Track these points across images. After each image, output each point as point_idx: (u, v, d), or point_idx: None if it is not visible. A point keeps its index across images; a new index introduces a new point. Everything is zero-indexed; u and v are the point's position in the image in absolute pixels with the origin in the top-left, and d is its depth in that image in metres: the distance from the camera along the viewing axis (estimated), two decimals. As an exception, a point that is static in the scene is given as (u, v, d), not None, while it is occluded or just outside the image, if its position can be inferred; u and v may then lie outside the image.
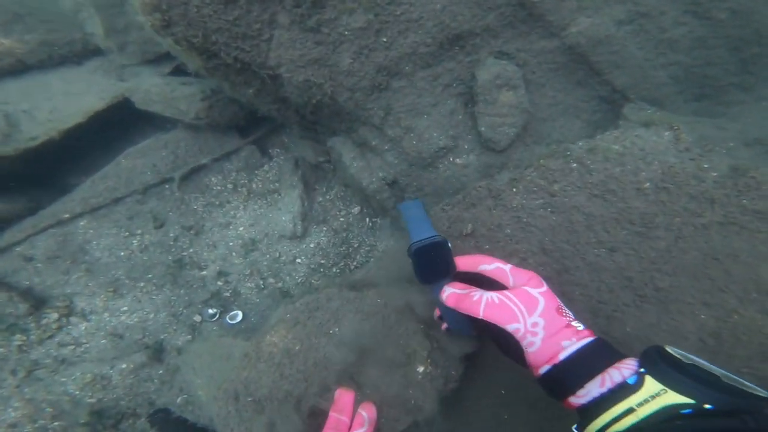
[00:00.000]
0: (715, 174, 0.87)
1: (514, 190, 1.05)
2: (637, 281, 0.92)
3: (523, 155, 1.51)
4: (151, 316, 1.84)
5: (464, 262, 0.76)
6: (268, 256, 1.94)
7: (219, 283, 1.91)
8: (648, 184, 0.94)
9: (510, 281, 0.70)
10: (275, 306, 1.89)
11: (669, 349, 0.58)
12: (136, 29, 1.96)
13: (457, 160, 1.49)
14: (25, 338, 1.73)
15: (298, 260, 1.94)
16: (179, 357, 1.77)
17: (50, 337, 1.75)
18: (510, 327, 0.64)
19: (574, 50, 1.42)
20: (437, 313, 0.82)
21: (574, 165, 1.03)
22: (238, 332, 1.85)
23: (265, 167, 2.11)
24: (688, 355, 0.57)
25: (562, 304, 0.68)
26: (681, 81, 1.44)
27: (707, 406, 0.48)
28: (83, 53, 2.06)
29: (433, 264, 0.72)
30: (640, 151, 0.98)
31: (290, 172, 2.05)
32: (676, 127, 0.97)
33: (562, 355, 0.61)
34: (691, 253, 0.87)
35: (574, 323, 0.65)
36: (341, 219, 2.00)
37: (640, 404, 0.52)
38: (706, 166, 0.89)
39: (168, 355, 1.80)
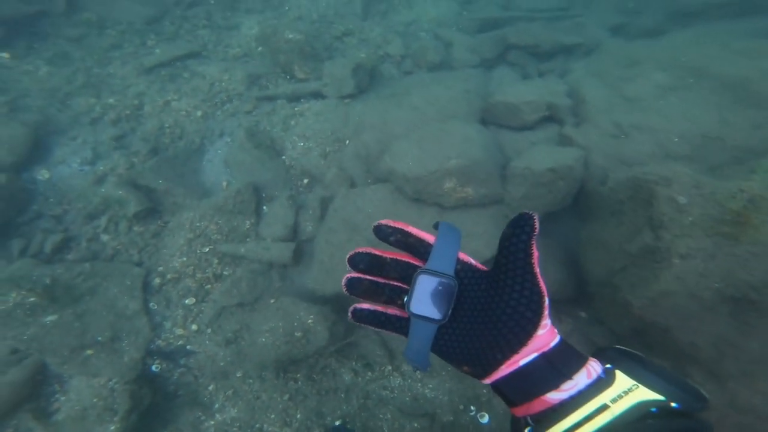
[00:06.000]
0: None
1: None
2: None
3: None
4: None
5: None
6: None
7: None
8: None
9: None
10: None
11: (621, 348, 0.57)
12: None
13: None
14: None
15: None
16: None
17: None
18: None
19: None
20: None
21: None
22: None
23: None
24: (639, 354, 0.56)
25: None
26: None
27: (674, 404, 0.48)
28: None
29: (430, 298, 0.55)
30: None
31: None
32: None
33: (553, 343, 0.53)
34: None
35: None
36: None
37: (614, 400, 0.49)
38: None
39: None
